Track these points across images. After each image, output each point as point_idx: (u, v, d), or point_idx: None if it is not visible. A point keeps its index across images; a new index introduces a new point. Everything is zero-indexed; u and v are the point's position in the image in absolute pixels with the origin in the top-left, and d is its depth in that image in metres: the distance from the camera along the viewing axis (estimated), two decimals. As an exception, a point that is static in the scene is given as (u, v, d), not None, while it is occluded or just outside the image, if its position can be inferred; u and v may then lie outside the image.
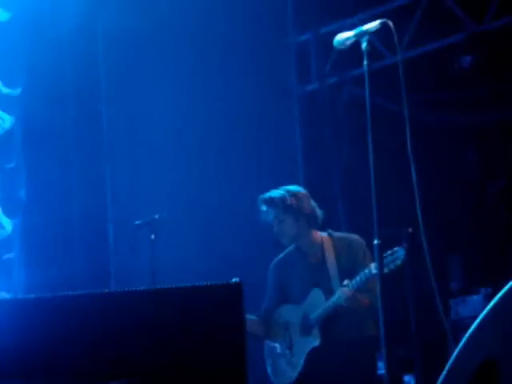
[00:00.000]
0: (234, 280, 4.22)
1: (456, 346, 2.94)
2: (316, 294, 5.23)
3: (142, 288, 3.14)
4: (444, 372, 2.91)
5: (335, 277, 5.22)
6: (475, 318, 2.91)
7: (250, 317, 5.28)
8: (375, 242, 4.48)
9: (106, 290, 3.17)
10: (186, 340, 2.98)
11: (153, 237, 6.45)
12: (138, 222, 6.59)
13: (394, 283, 4.99)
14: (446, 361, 2.98)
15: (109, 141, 8.42)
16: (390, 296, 4.64)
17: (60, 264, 7.84)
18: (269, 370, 5.42)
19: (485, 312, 2.76)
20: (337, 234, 5.42)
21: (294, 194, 5.34)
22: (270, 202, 5.34)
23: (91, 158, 8.34)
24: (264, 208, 5.38)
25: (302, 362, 5.20)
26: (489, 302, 2.88)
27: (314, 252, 5.36)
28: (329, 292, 5.21)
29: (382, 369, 6.35)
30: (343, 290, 5.04)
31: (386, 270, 4.86)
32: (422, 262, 4.55)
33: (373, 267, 4.91)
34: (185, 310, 3.01)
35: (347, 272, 5.19)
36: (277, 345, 5.38)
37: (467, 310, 7.17)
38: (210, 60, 8.18)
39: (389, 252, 4.93)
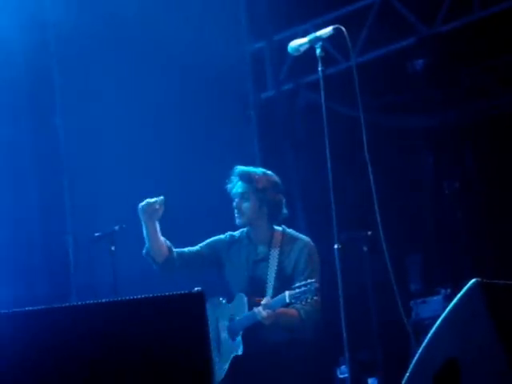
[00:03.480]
0: (195, 289, 4.22)
1: (418, 346, 2.97)
2: (240, 300, 5.07)
3: (104, 300, 3.12)
4: (407, 373, 2.94)
5: (271, 276, 5.07)
6: (436, 318, 2.95)
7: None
8: (335, 246, 4.51)
9: (67, 304, 3.15)
10: (150, 351, 2.97)
11: (113, 248, 6.43)
12: (97, 234, 6.57)
13: (355, 285, 5.01)
14: (409, 362, 3.01)
15: (66, 153, 8.37)
16: (351, 299, 4.67)
17: (20, 278, 7.79)
18: None
19: (445, 313, 2.80)
20: (289, 231, 5.24)
21: (270, 180, 5.19)
22: (246, 176, 5.17)
23: (49, 171, 8.30)
24: (236, 179, 5.22)
25: (226, 366, 5.02)
26: (449, 302, 2.92)
27: (261, 244, 5.20)
28: (261, 290, 5.07)
29: (345, 373, 6.41)
30: (259, 311, 4.86)
31: (297, 303, 4.75)
32: (382, 264, 4.59)
33: (287, 296, 4.77)
34: (147, 320, 3.01)
35: (287, 272, 5.07)
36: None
37: (428, 310, 7.21)
38: (166, 70, 8.18)
39: (300, 284, 4.79)
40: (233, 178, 5.25)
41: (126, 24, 8.03)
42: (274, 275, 5.07)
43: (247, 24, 8.88)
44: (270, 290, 5.06)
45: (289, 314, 4.94)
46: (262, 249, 5.21)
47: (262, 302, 4.90)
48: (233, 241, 5.31)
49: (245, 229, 5.30)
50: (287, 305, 4.83)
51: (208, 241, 5.35)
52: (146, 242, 5.21)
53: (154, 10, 8.08)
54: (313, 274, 5.01)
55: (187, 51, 8.21)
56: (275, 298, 4.90)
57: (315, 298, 4.74)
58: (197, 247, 5.33)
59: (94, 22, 8.00)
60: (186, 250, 5.31)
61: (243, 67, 8.91)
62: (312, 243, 5.17)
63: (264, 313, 4.84)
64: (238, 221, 5.23)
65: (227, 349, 5.06)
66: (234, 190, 5.21)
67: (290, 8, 8.50)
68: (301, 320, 4.95)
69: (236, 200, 5.20)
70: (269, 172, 5.27)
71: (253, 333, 4.98)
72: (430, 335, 2.86)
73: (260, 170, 5.26)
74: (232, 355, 5.01)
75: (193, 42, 8.20)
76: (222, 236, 5.36)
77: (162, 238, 5.23)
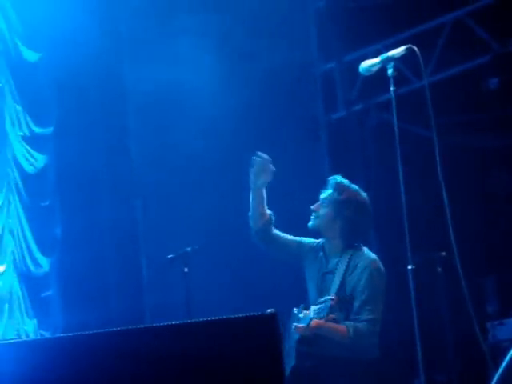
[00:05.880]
0: (268, 311, 4.22)
1: (495, 369, 2.92)
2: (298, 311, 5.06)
3: (177, 322, 3.14)
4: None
5: (333, 290, 5.01)
6: (513, 340, 2.89)
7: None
8: (409, 267, 4.46)
9: (141, 326, 3.16)
10: (223, 374, 2.97)
11: (186, 270, 6.47)
12: (170, 256, 6.62)
13: (430, 307, 4.94)
14: (486, 385, 2.95)
15: (139, 175, 8.48)
16: (426, 320, 4.61)
17: (96, 300, 7.89)
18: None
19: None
20: (361, 250, 5.12)
21: (357, 198, 5.13)
22: (335, 185, 5.17)
23: (122, 193, 8.41)
24: (328, 186, 5.22)
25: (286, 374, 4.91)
26: (527, 324, 2.86)
27: (333, 257, 5.15)
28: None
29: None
30: (296, 326, 4.87)
31: (319, 318, 4.76)
32: (457, 285, 4.52)
33: (311, 310, 4.79)
34: (220, 342, 3.00)
35: (347, 288, 4.99)
36: None
37: (505, 332, 7.08)
38: (236, 92, 8.23)
39: (322, 299, 4.84)
40: (328, 185, 5.28)
41: (196, 51, 8.13)
42: (335, 289, 5.03)
43: (317, 45, 8.89)
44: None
45: (332, 329, 4.86)
46: (332, 262, 5.16)
47: (300, 316, 4.90)
48: (315, 249, 5.30)
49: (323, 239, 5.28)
50: (313, 319, 4.80)
51: (302, 239, 5.37)
52: (250, 206, 5.37)
53: (224, 33, 8.17)
54: (373, 294, 4.93)
55: (258, 73, 8.25)
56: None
57: (331, 315, 4.74)
58: (292, 238, 5.38)
59: (167, 43, 8.13)
60: (284, 234, 5.38)
61: (314, 88, 8.91)
62: (377, 263, 5.06)
63: (300, 329, 4.84)
64: (310, 223, 5.23)
65: (288, 358, 5.02)
66: (321, 195, 5.22)
67: (360, 28, 8.48)
68: (349, 337, 4.87)
69: (319, 204, 5.19)
70: (363, 193, 5.20)
71: (302, 345, 4.95)
72: (508, 358, 2.81)
73: (354, 187, 5.20)
74: (290, 365, 4.97)
75: (263, 64, 8.25)
76: (312, 241, 5.35)
77: (267, 211, 5.35)
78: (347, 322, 4.87)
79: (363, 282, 4.98)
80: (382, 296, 5.02)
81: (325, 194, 5.21)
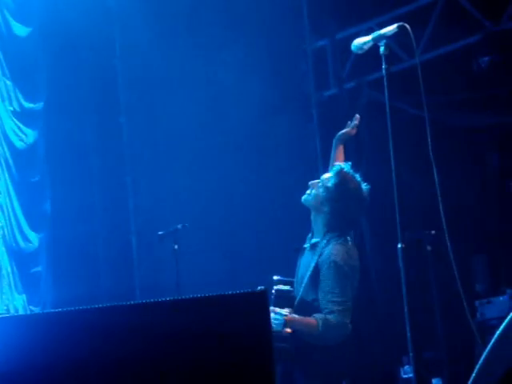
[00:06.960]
0: (258, 288, 4.22)
1: (483, 347, 2.93)
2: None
3: (166, 299, 3.14)
4: (473, 374, 2.90)
5: (304, 279, 5.02)
6: (502, 318, 2.89)
7: None
8: (399, 245, 4.47)
9: (131, 302, 3.17)
10: (212, 350, 2.98)
11: (176, 247, 6.48)
12: (160, 233, 6.62)
13: (420, 286, 4.95)
14: (474, 363, 2.96)
15: (130, 152, 8.47)
16: (415, 298, 4.62)
17: (86, 276, 7.90)
18: None
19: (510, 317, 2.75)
20: (338, 238, 5.03)
21: (353, 191, 5.06)
22: (337, 171, 5.10)
23: (113, 169, 8.40)
24: (332, 170, 5.17)
25: None
26: (515, 302, 2.87)
27: (314, 236, 5.14)
28: (300, 281, 5.08)
29: (409, 373, 6.35)
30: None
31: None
32: (446, 264, 4.53)
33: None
34: (210, 319, 3.01)
35: (319, 274, 4.99)
36: None
37: (493, 311, 7.12)
38: (227, 69, 8.22)
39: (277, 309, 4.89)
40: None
41: (187, 28, 8.10)
42: (310, 271, 5.01)
43: (309, 22, 8.86)
44: (302, 287, 5.03)
45: (303, 324, 4.91)
46: (313, 240, 5.16)
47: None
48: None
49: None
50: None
51: None
52: None
53: (216, 10, 8.14)
54: (335, 286, 4.88)
55: (250, 51, 8.23)
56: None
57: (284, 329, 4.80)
58: None
59: (157, 26, 8.09)
60: None
61: (305, 65, 8.89)
62: (341, 255, 4.96)
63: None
64: (303, 197, 5.21)
65: None
66: (322, 176, 5.21)
67: (352, 6, 8.45)
68: (318, 330, 4.87)
69: (317, 181, 5.18)
70: (364, 186, 5.15)
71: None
72: (496, 336, 2.81)
73: (357, 179, 5.14)
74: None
75: (255, 42, 8.22)
76: None
77: None
78: (317, 315, 4.89)
79: (325, 273, 4.93)
80: (347, 286, 4.94)
81: (326, 176, 5.19)
